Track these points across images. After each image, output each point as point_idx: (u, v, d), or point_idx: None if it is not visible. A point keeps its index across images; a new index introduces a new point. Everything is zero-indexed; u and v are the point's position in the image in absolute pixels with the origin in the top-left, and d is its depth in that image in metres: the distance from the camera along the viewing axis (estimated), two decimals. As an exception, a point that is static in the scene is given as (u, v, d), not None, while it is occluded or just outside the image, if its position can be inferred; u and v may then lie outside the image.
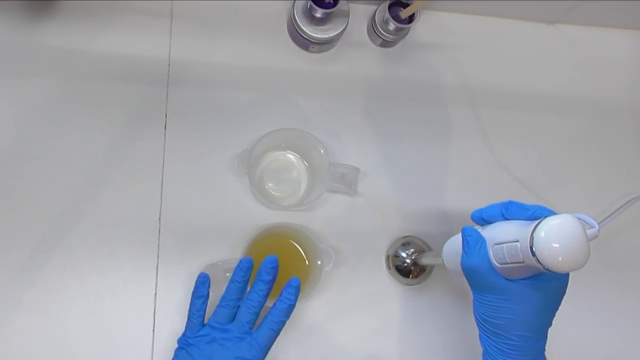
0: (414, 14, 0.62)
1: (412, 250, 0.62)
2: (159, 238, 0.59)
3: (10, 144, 0.58)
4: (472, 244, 0.44)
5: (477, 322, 0.47)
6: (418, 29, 0.69)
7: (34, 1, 0.61)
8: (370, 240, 0.63)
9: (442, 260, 0.52)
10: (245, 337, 0.49)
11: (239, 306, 0.51)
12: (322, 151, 0.58)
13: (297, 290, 0.50)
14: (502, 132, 0.69)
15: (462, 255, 0.44)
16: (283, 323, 0.49)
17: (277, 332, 0.49)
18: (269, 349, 0.49)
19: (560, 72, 0.72)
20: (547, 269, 0.38)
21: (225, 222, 0.60)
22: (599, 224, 0.38)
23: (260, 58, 0.65)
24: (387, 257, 0.63)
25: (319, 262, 0.57)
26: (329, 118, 0.65)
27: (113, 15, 0.62)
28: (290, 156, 0.64)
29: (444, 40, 0.70)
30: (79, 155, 0.59)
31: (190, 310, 0.51)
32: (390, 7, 0.63)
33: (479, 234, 0.44)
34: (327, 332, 0.60)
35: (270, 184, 0.62)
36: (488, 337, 0.46)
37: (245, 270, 0.51)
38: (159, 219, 0.59)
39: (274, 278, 0.51)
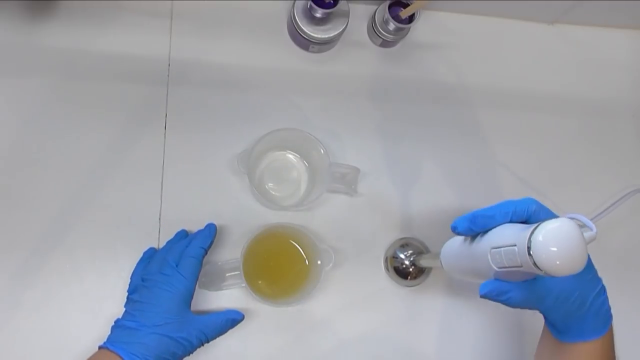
0: (414, 14, 0.62)
1: (410, 251, 0.62)
2: (159, 238, 0.59)
3: (10, 144, 0.58)
4: None
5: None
6: (418, 29, 0.69)
7: (35, 1, 0.61)
8: (370, 240, 0.63)
9: (440, 262, 0.52)
10: (173, 274, 0.51)
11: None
12: (322, 151, 0.58)
13: (213, 228, 0.56)
14: (502, 132, 0.69)
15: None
16: (203, 251, 0.53)
17: (197, 259, 0.52)
18: (195, 276, 0.52)
19: (560, 72, 0.72)
20: (545, 274, 0.37)
21: (225, 222, 0.60)
22: (593, 219, 0.38)
23: (260, 58, 0.65)
24: (386, 259, 0.63)
25: (319, 262, 0.57)
26: (329, 118, 0.65)
27: (113, 15, 0.62)
28: (290, 156, 0.64)
29: (444, 40, 0.70)
30: (79, 155, 0.59)
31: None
32: (390, 7, 0.63)
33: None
34: (326, 332, 0.60)
35: (270, 184, 0.62)
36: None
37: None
38: (159, 219, 0.59)
39: (212, 237, 0.55)
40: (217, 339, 0.53)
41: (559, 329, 0.47)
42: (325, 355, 0.59)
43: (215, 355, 0.57)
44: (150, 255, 0.56)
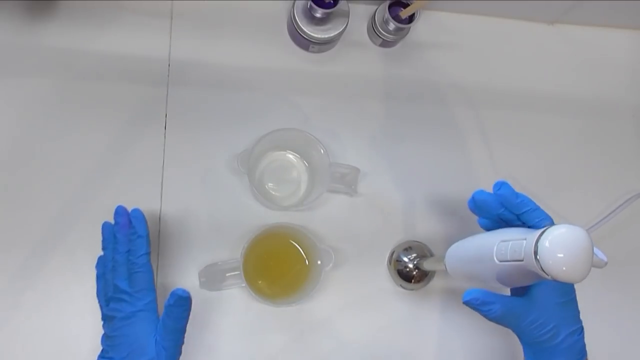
0: (414, 14, 0.62)
1: (414, 255, 0.62)
2: (159, 238, 0.59)
3: (10, 144, 0.58)
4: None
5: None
6: (418, 29, 0.69)
7: (34, 1, 0.61)
8: (371, 240, 0.63)
9: (445, 266, 0.52)
10: (130, 299, 0.50)
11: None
12: (322, 151, 0.58)
13: (141, 218, 0.52)
14: (502, 132, 0.69)
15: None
16: (148, 256, 0.51)
17: (147, 268, 0.50)
18: (152, 285, 0.50)
19: (560, 72, 0.72)
20: (552, 278, 0.38)
21: (225, 222, 0.60)
22: (593, 227, 0.38)
23: (260, 58, 0.65)
24: (389, 262, 0.63)
25: (319, 262, 0.57)
26: (329, 118, 0.65)
27: (113, 15, 0.62)
28: (290, 156, 0.64)
29: (444, 40, 0.70)
30: (79, 155, 0.59)
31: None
32: (390, 7, 0.63)
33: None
34: (326, 332, 0.60)
35: (270, 184, 0.62)
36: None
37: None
38: (159, 219, 0.59)
39: (148, 238, 0.52)
40: (217, 339, 0.53)
41: (530, 357, 0.47)
42: (325, 355, 0.59)
43: (215, 355, 0.57)
44: (102, 271, 0.53)
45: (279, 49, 0.65)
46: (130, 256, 0.51)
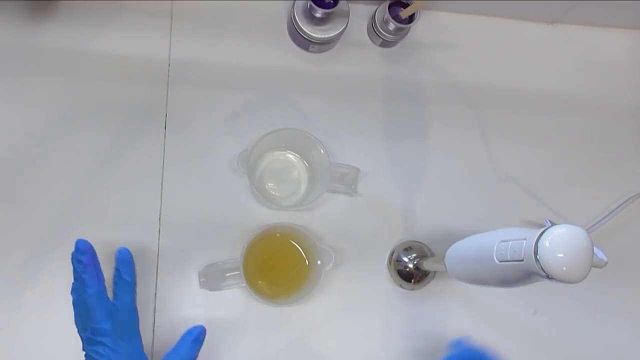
0: (414, 14, 0.62)
1: (414, 255, 0.62)
2: (159, 238, 0.59)
3: (10, 144, 0.58)
4: None
5: None
6: (418, 29, 0.69)
7: (34, 1, 0.61)
8: (371, 240, 0.63)
9: (445, 266, 0.52)
10: (113, 343, 0.47)
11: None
12: (322, 151, 0.58)
13: (128, 262, 0.49)
14: (502, 132, 0.69)
15: None
16: (134, 295, 0.48)
17: (131, 311, 0.48)
18: (134, 330, 0.48)
19: (560, 72, 0.72)
20: (552, 279, 0.38)
21: (225, 222, 0.60)
22: (592, 227, 0.39)
23: (260, 58, 0.65)
24: (389, 262, 0.63)
25: (319, 262, 0.57)
26: (329, 118, 0.65)
27: (113, 15, 0.62)
28: (290, 156, 0.64)
29: (444, 40, 0.70)
30: (79, 156, 0.59)
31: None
32: (390, 7, 0.63)
33: None
34: (326, 332, 0.60)
35: (270, 184, 0.62)
36: None
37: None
38: (159, 219, 0.59)
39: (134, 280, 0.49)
40: (217, 339, 0.53)
41: None
42: (325, 355, 0.59)
43: (215, 355, 0.57)
44: (78, 298, 0.49)
45: (279, 49, 0.65)
46: (115, 299, 0.48)
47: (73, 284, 0.50)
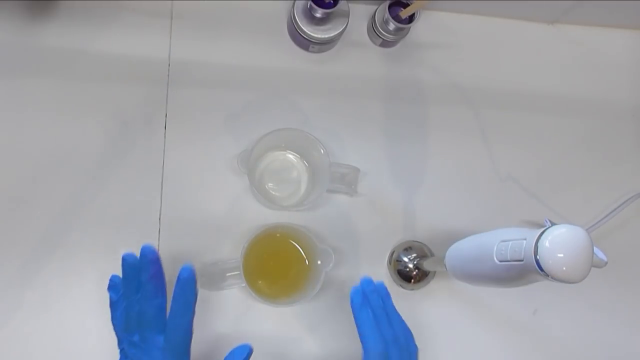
0: (414, 14, 0.62)
1: (414, 255, 0.62)
2: (159, 238, 0.59)
3: (10, 144, 0.58)
4: None
5: None
6: (418, 29, 0.69)
7: (34, 1, 0.61)
8: (371, 240, 0.63)
9: (445, 266, 0.52)
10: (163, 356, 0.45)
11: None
12: (322, 151, 0.58)
13: (192, 280, 0.46)
14: (501, 132, 0.69)
15: None
16: (190, 321, 0.46)
17: (188, 331, 0.46)
18: (187, 350, 0.46)
19: (560, 72, 0.72)
20: (552, 279, 0.38)
21: (225, 222, 0.60)
22: (593, 227, 0.38)
23: (260, 58, 0.65)
24: (389, 262, 0.63)
25: (319, 262, 0.57)
26: (329, 118, 0.65)
27: (113, 15, 0.62)
28: (290, 156, 0.64)
29: (444, 40, 0.70)
30: (79, 155, 0.59)
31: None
32: (390, 7, 0.63)
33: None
34: (326, 332, 0.60)
35: (270, 184, 0.62)
36: None
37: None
38: (159, 219, 0.59)
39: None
40: (217, 339, 0.53)
41: None
42: (325, 355, 0.59)
43: (215, 355, 0.57)
44: (119, 298, 0.48)
45: (279, 49, 0.65)
46: (172, 315, 0.45)
47: (114, 279, 0.49)
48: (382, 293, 0.51)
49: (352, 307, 0.50)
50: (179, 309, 0.45)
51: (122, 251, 0.56)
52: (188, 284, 0.45)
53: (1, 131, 0.58)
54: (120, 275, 0.48)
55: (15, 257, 0.56)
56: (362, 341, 0.48)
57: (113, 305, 0.49)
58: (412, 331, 0.57)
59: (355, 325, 0.50)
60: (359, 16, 0.67)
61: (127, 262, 0.47)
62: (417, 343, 0.54)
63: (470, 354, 0.62)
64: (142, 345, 0.46)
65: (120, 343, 0.48)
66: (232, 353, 0.47)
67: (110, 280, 0.49)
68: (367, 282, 0.51)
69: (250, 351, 0.47)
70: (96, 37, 0.61)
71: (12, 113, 0.59)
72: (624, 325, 0.67)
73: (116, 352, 0.49)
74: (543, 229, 0.39)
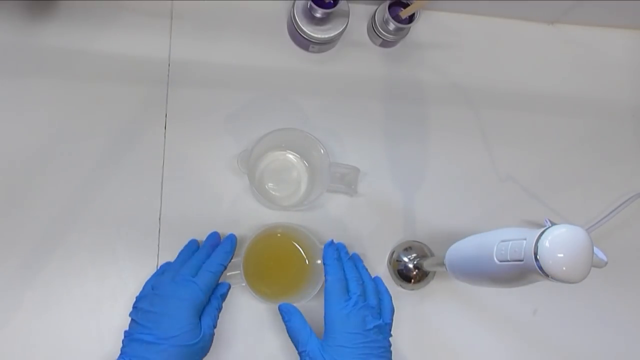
0: (414, 14, 0.62)
1: (414, 255, 0.62)
2: (159, 238, 0.59)
3: (10, 144, 0.58)
4: None
5: None
6: (418, 29, 0.69)
7: (34, 1, 0.61)
8: (371, 240, 0.63)
9: (445, 266, 0.52)
10: (189, 284, 0.51)
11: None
12: (322, 151, 0.58)
13: (234, 241, 0.56)
14: (501, 132, 0.69)
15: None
16: (223, 267, 0.53)
17: (216, 275, 0.52)
18: (211, 291, 0.52)
19: (560, 72, 0.72)
20: (552, 279, 0.38)
21: (225, 222, 0.60)
22: (592, 227, 0.38)
23: (260, 58, 0.65)
24: (389, 262, 0.63)
25: (319, 262, 0.57)
26: (329, 118, 0.65)
27: (113, 15, 0.62)
28: (290, 156, 0.64)
29: (444, 40, 0.70)
30: (79, 156, 0.59)
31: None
32: (390, 7, 0.63)
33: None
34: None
35: (270, 184, 0.62)
36: None
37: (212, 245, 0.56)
38: (159, 219, 0.59)
39: (232, 252, 0.55)
40: (217, 338, 0.53)
41: None
42: (325, 355, 0.59)
43: (215, 355, 0.57)
44: (165, 269, 0.55)
45: (279, 49, 0.65)
46: (210, 261, 0.53)
47: (193, 240, 0.57)
48: (354, 256, 0.58)
49: (323, 248, 0.56)
50: (217, 256, 0.53)
51: (122, 251, 0.57)
52: (230, 241, 0.55)
53: (1, 131, 0.58)
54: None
55: (15, 257, 0.56)
56: (325, 273, 0.54)
57: (157, 273, 0.56)
58: (412, 331, 0.57)
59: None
60: (359, 16, 0.67)
61: (193, 242, 0.58)
62: (415, 343, 0.55)
63: (470, 354, 0.62)
64: (171, 283, 0.51)
65: (139, 297, 0.52)
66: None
67: (162, 265, 0.57)
68: (340, 243, 0.58)
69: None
70: (96, 37, 0.61)
71: (12, 113, 0.59)
72: (624, 325, 0.67)
73: (116, 352, 0.49)
74: (543, 229, 0.39)
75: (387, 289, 0.56)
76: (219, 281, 0.53)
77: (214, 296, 0.52)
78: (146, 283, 0.54)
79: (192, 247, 0.57)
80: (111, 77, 0.61)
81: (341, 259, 0.55)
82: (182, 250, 0.57)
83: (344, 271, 0.54)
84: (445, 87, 0.69)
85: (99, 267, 0.57)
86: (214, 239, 0.57)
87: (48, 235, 0.57)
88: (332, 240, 0.57)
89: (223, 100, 0.63)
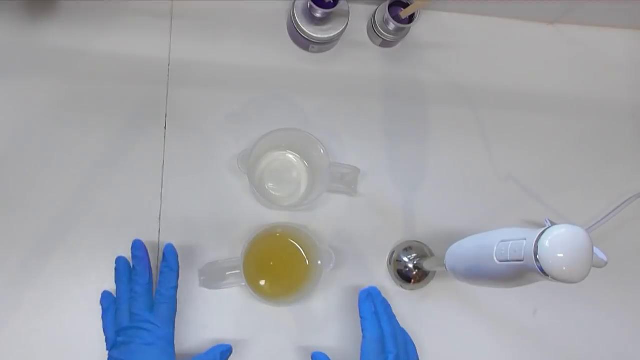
0: (414, 14, 0.62)
1: (414, 255, 0.62)
2: (159, 238, 0.59)
3: (10, 144, 0.58)
4: None
5: None
6: (418, 29, 0.69)
7: (35, 1, 0.61)
8: (371, 240, 0.63)
9: (445, 265, 0.52)
10: (148, 326, 0.50)
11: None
12: (322, 151, 0.58)
13: (174, 253, 0.54)
14: (501, 132, 0.69)
15: None
16: (175, 290, 0.52)
17: (172, 300, 0.52)
18: (173, 320, 0.52)
19: (560, 72, 0.72)
20: (552, 279, 0.38)
21: (225, 222, 0.60)
22: (593, 227, 0.38)
23: (260, 58, 0.65)
24: (389, 262, 0.63)
25: (319, 262, 0.57)
26: (329, 118, 0.65)
27: (113, 15, 0.62)
28: (290, 156, 0.64)
29: (444, 40, 0.70)
30: (79, 156, 0.59)
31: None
32: (390, 7, 0.63)
33: None
34: (326, 332, 0.60)
35: (270, 184, 0.62)
36: None
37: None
38: (159, 219, 0.59)
39: (178, 267, 0.54)
40: (217, 338, 0.53)
41: None
42: (325, 355, 0.59)
43: (215, 355, 0.57)
44: (110, 303, 0.54)
45: (279, 49, 0.65)
46: (159, 287, 0.52)
47: (105, 292, 0.55)
48: (385, 301, 0.56)
49: (359, 299, 0.54)
50: (164, 279, 0.52)
51: (122, 251, 0.57)
52: (171, 256, 0.53)
53: (1, 131, 0.58)
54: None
55: (15, 257, 0.56)
56: (362, 329, 0.53)
57: (105, 311, 0.54)
58: (412, 331, 0.57)
59: (358, 319, 0.53)
60: (359, 16, 0.67)
61: (120, 261, 0.55)
62: (416, 343, 0.55)
63: (470, 354, 0.62)
64: (133, 323, 0.50)
65: (109, 346, 0.51)
66: (212, 349, 0.53)
67: (102, 295, 0.55)
68: (374, 288, 0.56)
69: (230, 349, 0.53)
70: (96, 37, 0.61)
71: (12, 113, 0.59)
72: (623, 325, 0.67)
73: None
74: (543, 229, 0.39)
75: (411, 339, 0.55)
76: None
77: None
78: (106, 327, 0.53)
79: (125, 267, 0.54)
80: (111, 77, 0.61)
81: (378, 313, 0.54)
82: (117, 276, 0.54)
83: (381, 327, 0.53)
84: (445, 87, 0.69)
85: (99, 267, 0.57)
86: (141, 250, 0.54)
87: (48, 235, 0.57)
88: (369, 291, 0.54)
89: (223, 100, 0.63)
